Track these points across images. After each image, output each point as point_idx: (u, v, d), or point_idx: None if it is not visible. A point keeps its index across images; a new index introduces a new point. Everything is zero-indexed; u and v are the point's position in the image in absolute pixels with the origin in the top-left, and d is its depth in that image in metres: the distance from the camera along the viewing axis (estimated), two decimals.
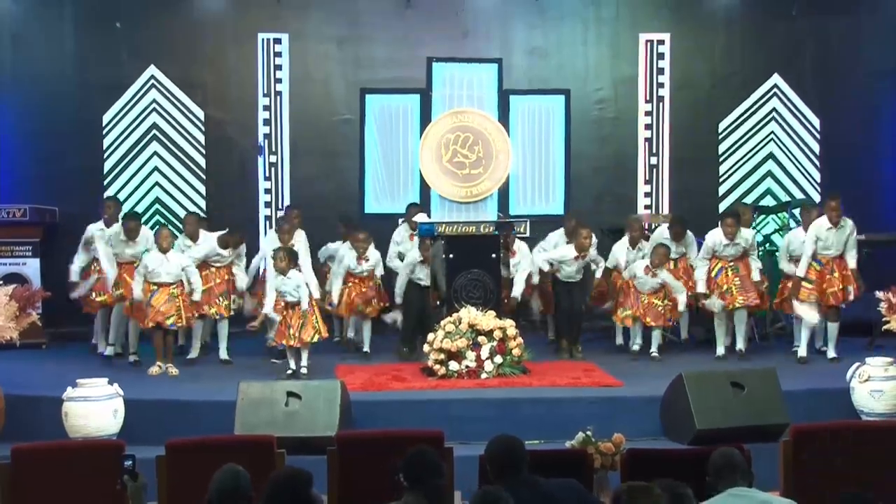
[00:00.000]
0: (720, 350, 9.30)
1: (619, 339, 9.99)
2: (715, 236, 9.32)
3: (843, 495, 3.67)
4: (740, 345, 9.25)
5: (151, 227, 10.01)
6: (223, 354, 9.39)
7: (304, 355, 8.56)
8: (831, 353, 9.05)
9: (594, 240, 9.59)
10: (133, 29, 11.25)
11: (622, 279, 9.60)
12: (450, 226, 9.12)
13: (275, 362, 9.11)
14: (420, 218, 9.37)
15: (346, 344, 9.74)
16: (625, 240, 9.77)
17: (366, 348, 9.50)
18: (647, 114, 11.73)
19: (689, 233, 9.79)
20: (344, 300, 9.38)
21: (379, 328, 10.03)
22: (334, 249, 9.81)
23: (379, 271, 9.56)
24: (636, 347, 9.38)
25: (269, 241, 9.69)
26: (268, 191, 11.34)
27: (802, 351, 9.14)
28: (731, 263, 9.27)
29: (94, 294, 9.34)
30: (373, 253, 9.51)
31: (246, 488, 4.02)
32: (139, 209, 10.61)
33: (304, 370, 8.50)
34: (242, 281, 9.51)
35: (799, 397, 7.40)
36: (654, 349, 9.31)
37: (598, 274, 9.67)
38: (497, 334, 8.32)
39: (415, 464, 4.15)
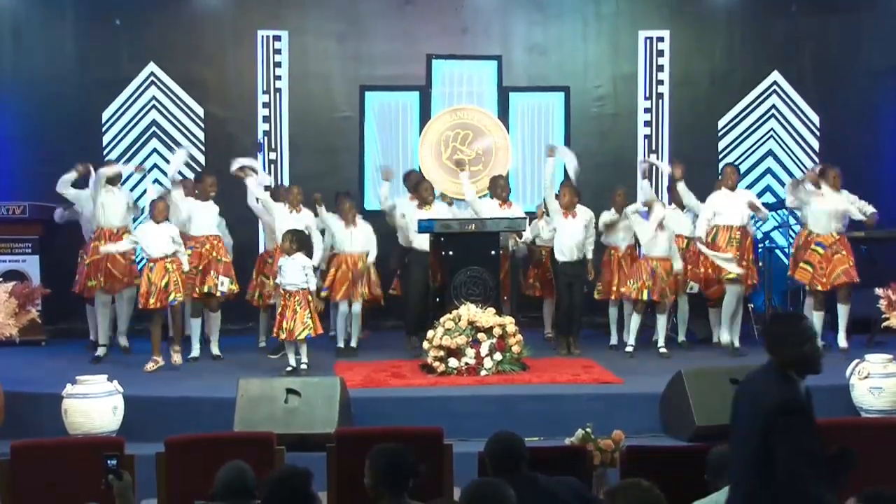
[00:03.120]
0: (725, 337, 9.25)
1: (614, 340, 9.97)
2: (714, 196, 9.35)
3: (865, 492, 3.64)
4: (736, 340, 9.25)
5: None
6: (214, 349, 9.43)
7: (304, 351, 8.56)
8: (843, 343, 9.01)
9: (586, 210, 9.60)
10: (133, 26, 11.25)
11: (617, 253, 9.68)
12: (449, 223, 9.14)
13: (271, 357, 9.13)
14: (419, 215, 9.36)
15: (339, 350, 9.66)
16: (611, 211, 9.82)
17: (353, 343, 9.47)
18: (647, 111, 11.73)
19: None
20: (336, 283, 9.33)
21: (376, 325, 10.05)
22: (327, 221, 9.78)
23: (372, 252, 9.49)
24: (630, 349, 9.34)
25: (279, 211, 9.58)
26: (267, 188, 11.29)
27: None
28: (738, 235, 9.23)
29: (87, 280, 9.28)
30: (364, 226, 9.49)
31: (251, 484, 4.04)
32: (139, 205, 10.57)
33: (304, 366, 8.50)
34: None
35: None
36: (660, 343, 9.29)
37: (589, 253, 9.54)
38: (496, 331, 8.32)
39: (387, 467, 4.10)
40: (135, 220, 9.84)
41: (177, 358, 8.78)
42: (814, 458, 3.71)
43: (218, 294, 9.31)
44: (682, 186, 9.59)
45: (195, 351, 9.31)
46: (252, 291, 9.78)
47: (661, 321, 9.35)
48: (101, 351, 9.22)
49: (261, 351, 9.71)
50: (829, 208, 9.13)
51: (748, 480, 3.80)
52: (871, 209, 9.38)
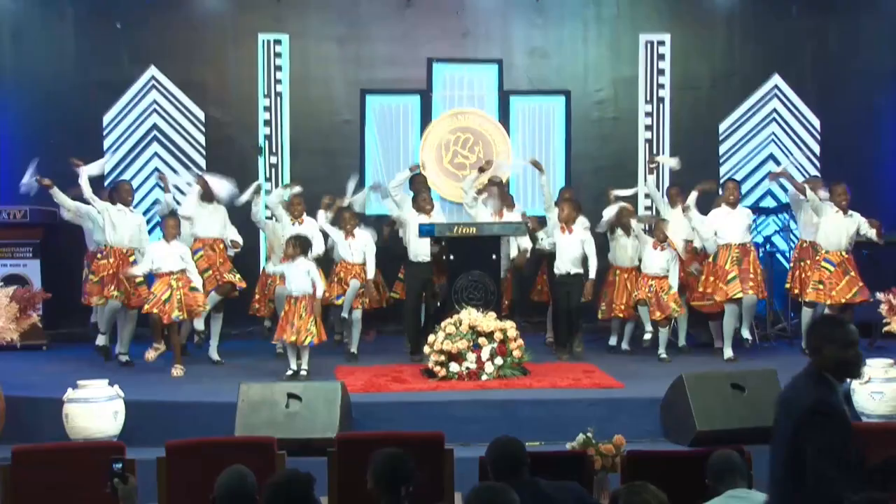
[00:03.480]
0: (729, 352, 9.26)
1: (613, 341, 9.98)
2: (715, 213, 9.38)
3: (851, 498, 3.66)
4: (746, 334, 9.29)
5: (150, 230, 10.02)
6: (213, 354, 9.41)
7: (305, 357, 8.55)
8: None
9: (584, 221, 9.59)
10: (133, 29, 11.25)
11: (622, 274, 9.69)
12: (450, 227, 9.15)
13: (280, 352, 9.13)
14: (420, 219, 9.39)
15: (338, 337, 9.70)
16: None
17: (353, 349, 9.45)
18: (648, 114, 11.72)
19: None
20: (334, 289, 9.37)
21: (378, 329, 10.05)
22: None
23: (371, 267, 9.49)
24: (648, 336, 9.31)
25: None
26: (268, 191, 11.31)
27: None
28: (737, 253, 9.23)
29: (95, 297, 9.26)
30: (362, 237, 9.50)
31: (251, 489, 4.03)
32: (140, 209, 10.59)
33: (304, 372, 8.49)
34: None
35: None
36: (661, 350, 9.29)
37: (592, 273, 9.39)
38: (497, 336, 8.32)
39: (383, 471, 4.11)
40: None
41: (177, 371, 8.74)
42: (842, 460, 3.69)
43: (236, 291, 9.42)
44: (692, 201, 9.58)
45: (200, 325, 9.29)
46: (254, 306, 9.79)
47: (663, 334, 9.35)
48: (101, 340, 9.21)
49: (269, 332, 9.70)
50: (841, 228, 9.15)
51: (784, 482, 3.82)
52: (872, 233, 9.27)
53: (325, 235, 9.49)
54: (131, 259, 9.23)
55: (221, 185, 9.50)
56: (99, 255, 9.25)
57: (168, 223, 9.00)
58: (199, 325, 9.25)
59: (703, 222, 9.50)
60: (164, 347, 8.76)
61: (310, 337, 8.42)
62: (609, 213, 9.72)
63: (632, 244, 9.67)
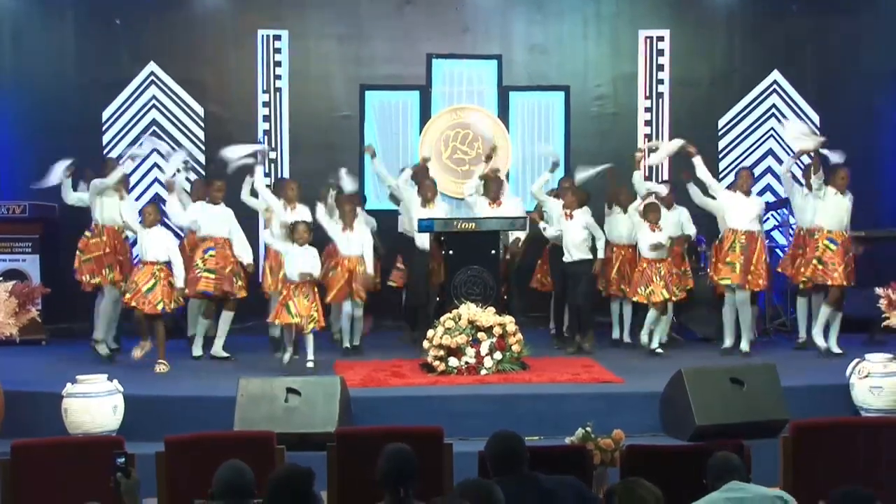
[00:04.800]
0: (728, 342, 9.27)
1: (615, 334, 9.99)
2: (729, 195, 9.39)
3: (835, 492, 3.68)
4: (744, 344, 9.18)
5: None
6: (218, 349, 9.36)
7: (310, 347, 8.52)
8: (835, 349, 9.05)
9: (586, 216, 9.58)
10: (133, 26, 11.26)
11: (620, 251, 9.72)
12: (450, 222, 9.15)
13: (277, 356, 9.16)
14: (421, 213, 9.39)
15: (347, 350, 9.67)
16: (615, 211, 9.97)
17: (355, 342, 9.45)
18: (647, 110, 11.73)
19: (684, 209, 9.88)
20: (332, 284, 9.30)
21: (377, 325, 10.03)
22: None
23: (369, 256, 9.43)
24: (646, 339, 9.33)
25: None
26: (268, 187, 11.29)
27: (802, 334, 9.24)
28: (744, 240, 9.20)
29: (87, 276, 9.25)
30: (361, 230, 9.46)
31: (249, 484, 4.03)
32: (139, 205, 10.57)
33: (310, 364, 8.47)
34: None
35: (799, 393, 7.41)
36: (654, 344, 9.29)
37: (601, 253, 9.48)
38: (497, 330, 8.32)
39: (387, 468, 4.12)
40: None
41: (161, 368, 8.66)
42: None
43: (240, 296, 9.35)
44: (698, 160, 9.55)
45: (197, 350, 9.30)
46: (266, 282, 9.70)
47: (661, 324, 9.34)
48: (103, 349, 9.20)
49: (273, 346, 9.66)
50: (841, 207, 9.18)
51: None
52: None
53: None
54: (123, 236, 9.28)
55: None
56: (88, 233, 9.27)
57: (146, 210, 8.99)
58: (219, 352, 9.23)
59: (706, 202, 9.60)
60: (150, 345, 8.72)
61: (312, 323, 8.41)
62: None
63: (626, 221, 9.66)
